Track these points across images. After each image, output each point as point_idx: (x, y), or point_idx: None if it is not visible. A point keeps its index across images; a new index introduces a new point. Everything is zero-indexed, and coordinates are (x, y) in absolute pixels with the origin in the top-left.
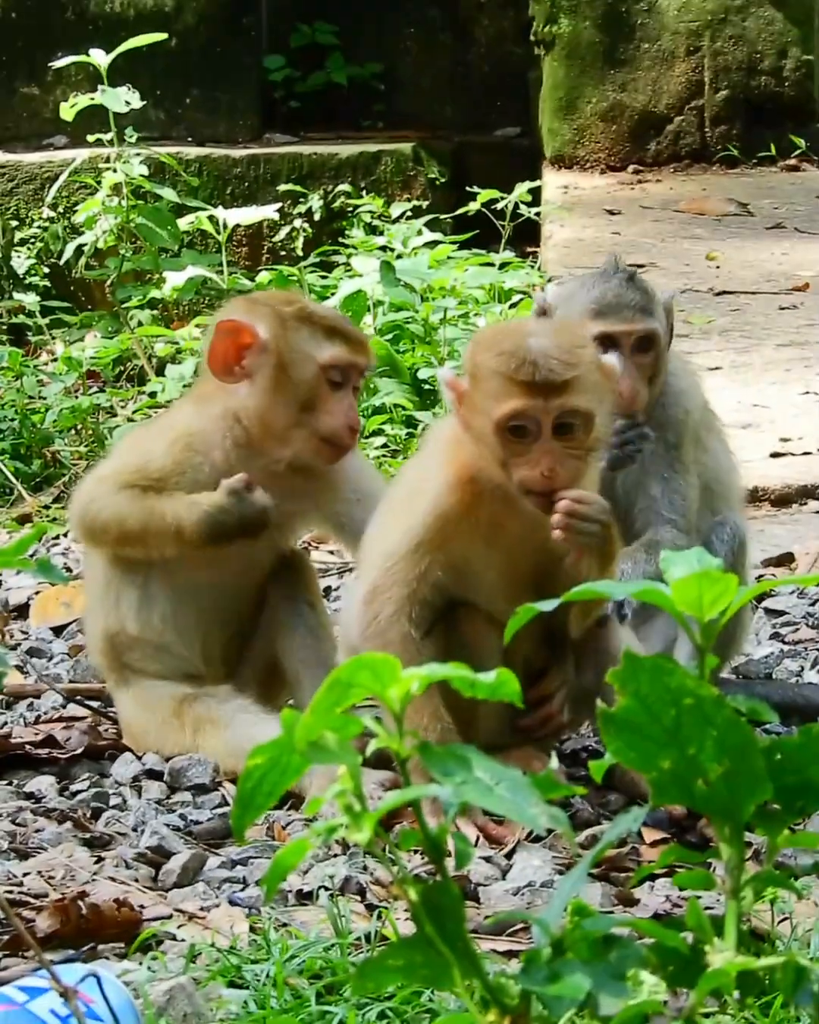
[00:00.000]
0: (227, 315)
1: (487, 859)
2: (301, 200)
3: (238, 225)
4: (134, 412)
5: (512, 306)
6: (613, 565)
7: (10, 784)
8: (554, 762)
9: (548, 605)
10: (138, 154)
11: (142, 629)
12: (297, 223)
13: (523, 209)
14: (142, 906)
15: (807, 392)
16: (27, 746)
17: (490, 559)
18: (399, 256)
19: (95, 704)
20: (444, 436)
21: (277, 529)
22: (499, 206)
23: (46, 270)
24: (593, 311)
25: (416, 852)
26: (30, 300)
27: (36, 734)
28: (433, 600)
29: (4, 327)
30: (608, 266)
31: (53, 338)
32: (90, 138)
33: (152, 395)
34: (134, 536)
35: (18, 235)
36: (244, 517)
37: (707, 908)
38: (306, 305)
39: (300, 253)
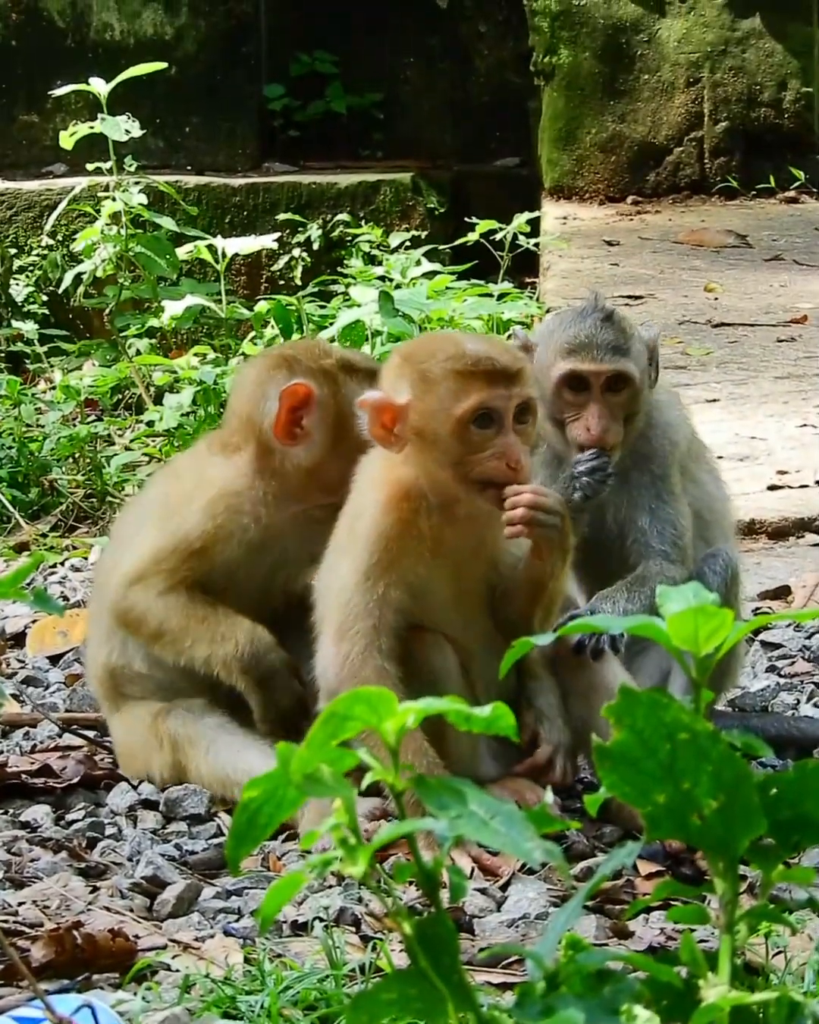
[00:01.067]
0: (275, 379)
1: (482, 891)
2: (300, 229)
3: (237, 254)
4: (132, 441)
5: (510, 337)
6: (569, 563)
7: (6, 813)
8: (549, 795)
9: (544, 639)
10: (137, 183)
11: (151, 668)
12: (296, 252)
13: (522, 240)
14: (137, 936)
15: (804, 425)
16: (23, 775)
17: (440, 576)
18: (398, 286)
19: (91, 734)
20: (372, 463)
21: (300, 570)
22: (498, 237)
23: (45, 298)
24: (566, 349)
25: (411, 884)
26: (28, 328)
27: (32, 763)
28: (398, 627)
29: (2, 355)
30: (586, 304)
31: (51, 366)
32: (89, 166)
33: (150, 424)
34: (173, 640)
35: (17, 263)
36: (277, 674)
37: (701, 942)
38: (342, 356)
39: (299, 282)
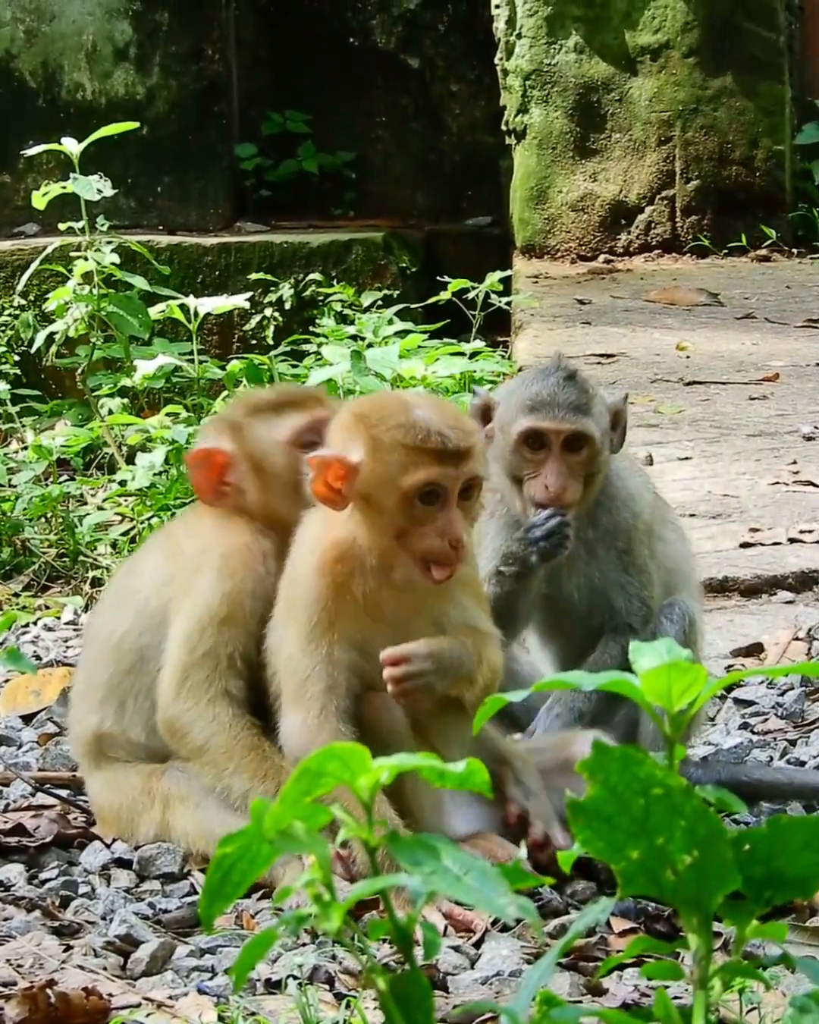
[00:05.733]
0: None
1: (456, 949)
2: (272, 289)
3: (209, 314)
4: (104, 500)
5: (472, 393)
6: (474, 680)
7: None
8: (522, 852)
9: (517, 696)
10: (109, 242)
11: (149, 738)
12: (268, 312)
13: (494, 298)
14: (111, 995)
15: (776, 482)
16: None
17: (383, 638)
18: (370, 345)
19: (65, 793)
20: (310, 524)
21: None
22: (470, 295)
23: (16, 358)
24: (527, 407)
25: (385, 941)
26: (0, 388)
27: (5, 822)
28: (354, 687)
29: None
30: (550, 364)
31: (23, 426)
32: (62, 226)
33: (122, 483)
34: (214, 762)
35: None
36: None
37: (675, 998)
38: (249, 400)
39: (271, 342)
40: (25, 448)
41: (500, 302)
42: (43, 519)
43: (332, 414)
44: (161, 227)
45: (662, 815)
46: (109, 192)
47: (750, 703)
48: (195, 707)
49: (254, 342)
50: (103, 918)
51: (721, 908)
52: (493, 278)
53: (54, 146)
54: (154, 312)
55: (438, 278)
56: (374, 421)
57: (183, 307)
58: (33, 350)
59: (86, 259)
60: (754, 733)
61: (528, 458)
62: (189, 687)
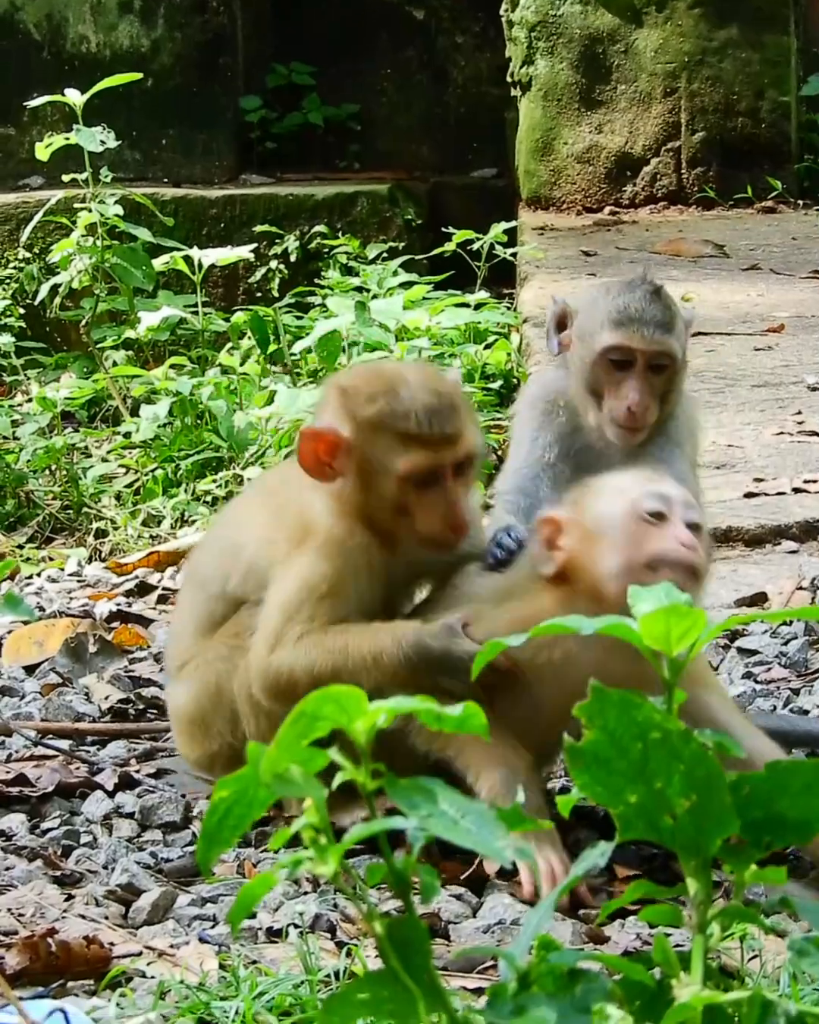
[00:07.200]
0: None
1: (457, 897)
2: (277, 241)
3: (214, 266)
4: (108, 452)
5: (487, 347)
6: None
7: None
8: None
9: (517, 640)
10: (113, 194)
11: None
12: (273, 264)
13: (498, 250)
14: (112, 943)
15: (781, 433)
16: None
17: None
18: (374, 296)
19: (66, 744)
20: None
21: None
22: (474, 247)
23: (21, 311)
24: (613, 321)
25: (383, 887)
26: (5, 341)
27: (7, 772)
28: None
29: None
30: (635, 276)
31: (28, 379)
32: (65, 178)
33: (127, 435)
34: (324, 681)
35: None
36: (451, 654)
37: (678, 946)
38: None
39: (276, 294)
40: (30, 400)
41: (505, 253)
42: (47, 471)
43: (461, 454)
44: (166, 180)
45: (661, 759)
46: (112, 143)
47: (754, 652)
48: (288, 653)
49: (259, 294)
50: (104, 867)
51: (720, 852)
52: (497, 229)
53: (57, 98)
54: (158, 264)
55: (443, 230)
56: (360, 400)
57: (188, 259)
58: (37, 302)
59: (90, 211)
60: (757, 682)
61: (610, 374)
62: (281, 643)
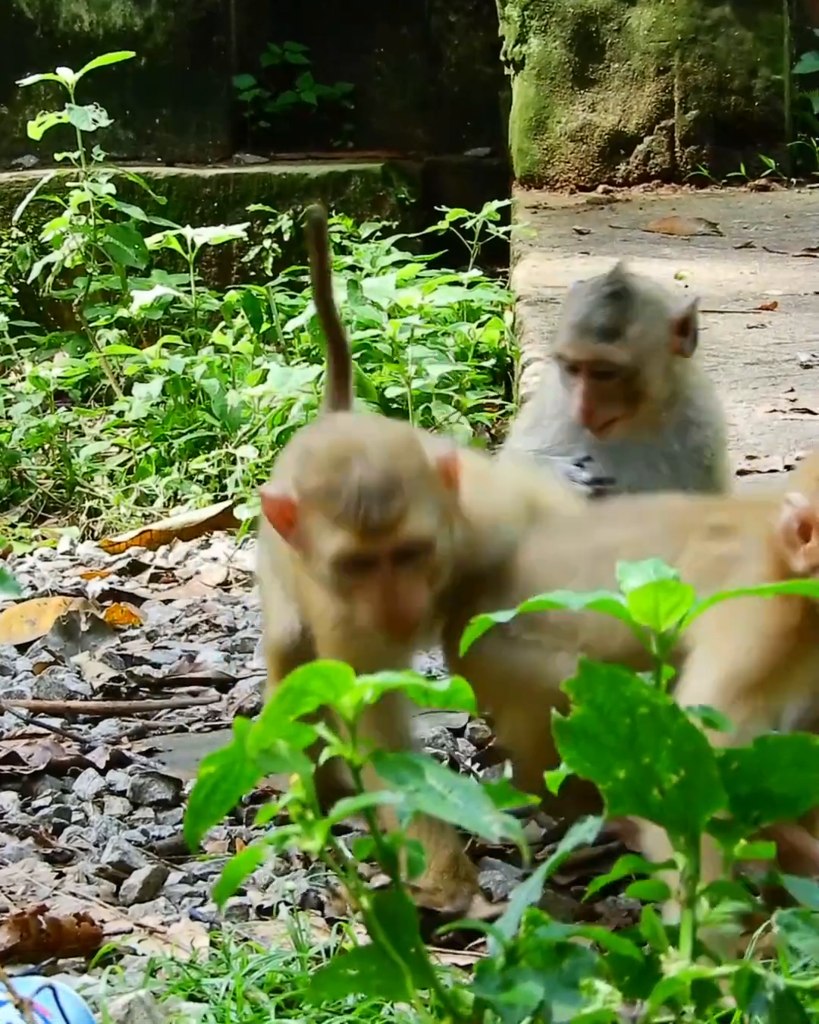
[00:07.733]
0: None
1: None
2: (270, 220)
3: (207, 245)
4: (101, 431)
5: (480, 325)
6: None
7: None
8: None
9: (505, 615)
10: (106, 173)
11: None
12: (266, 243)
13: (492, 229)
14: (103, 921)
15: (774, 410)
16: None
17: None
18: (367, 275)
19: (58, 722)
20: None
21: None
22: (468, 225)
23: (14, 290)
24: (565, 326)
25: (371, 862)
26: None
27: None
28: None
29: None
30: (597, 279)
31: (21, 358)
32: (58, 157)
33: (120, 414)
34: None
35: None
36: None
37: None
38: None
39: (269, 273)
40: (23, 379)
41: (498, 232)
42: (40, 450)
43: (400, 542)
44: (159, 159)
45: (649, 734)
46: (105, 122)
47: None
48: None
49: (252, 273)
50: (96, 845)
51: (708, 827)
52: (491, 208)
53: (50, 77)
54: (151, 243)
55: (437, 209)
56: (308, 467)
57: (181, 238)
58: (30, 281)
59: (83, 189)
60: None
61: (565, 377)
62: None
